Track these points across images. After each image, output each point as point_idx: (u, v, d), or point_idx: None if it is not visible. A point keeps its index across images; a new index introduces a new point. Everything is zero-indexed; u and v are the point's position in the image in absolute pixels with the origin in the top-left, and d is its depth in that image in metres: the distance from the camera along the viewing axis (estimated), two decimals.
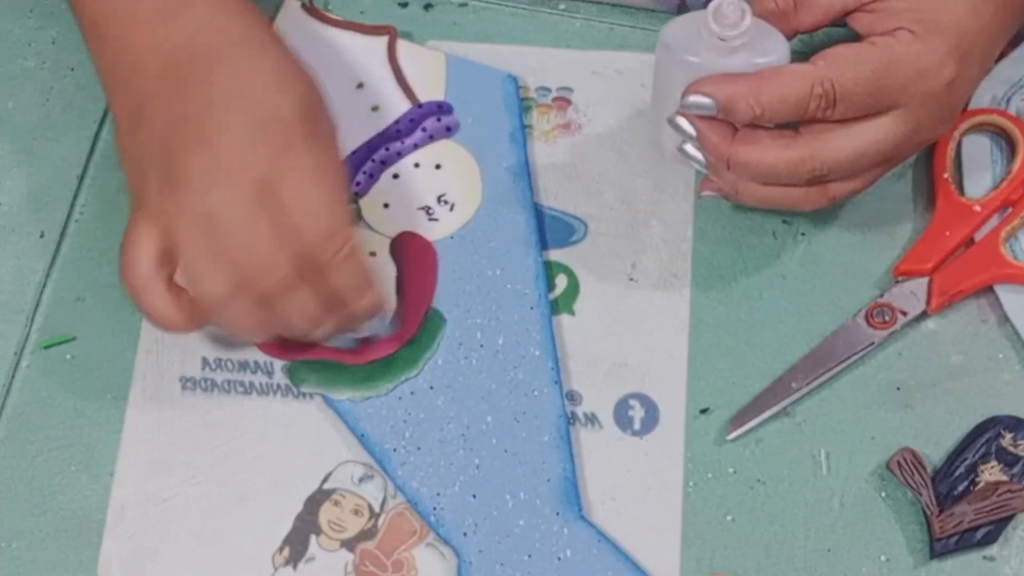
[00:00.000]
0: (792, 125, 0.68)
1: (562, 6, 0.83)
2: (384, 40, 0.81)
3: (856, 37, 0.69)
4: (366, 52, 0.80)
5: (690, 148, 0.71)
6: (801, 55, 0.71)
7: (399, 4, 0.84)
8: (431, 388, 0.73)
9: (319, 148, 0.68)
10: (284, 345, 0.74)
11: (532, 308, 0.75)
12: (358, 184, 0.78)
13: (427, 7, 0.84)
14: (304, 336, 0.71)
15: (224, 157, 0.66)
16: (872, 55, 0.67)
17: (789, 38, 0.69)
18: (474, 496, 0.71)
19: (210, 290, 0.67)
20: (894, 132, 0.68)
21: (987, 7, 0.68)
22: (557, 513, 0.71)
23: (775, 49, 0.68)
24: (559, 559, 0.70)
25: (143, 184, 0.69)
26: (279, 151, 0.66)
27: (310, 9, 0.82)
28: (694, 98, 0.67)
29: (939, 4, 0.67)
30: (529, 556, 0.70)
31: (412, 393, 0.73)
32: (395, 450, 0.72)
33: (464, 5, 0.84)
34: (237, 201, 0.66)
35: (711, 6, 0.67)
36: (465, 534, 0.70)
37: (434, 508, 0.71)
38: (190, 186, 0.66)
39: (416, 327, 0.74)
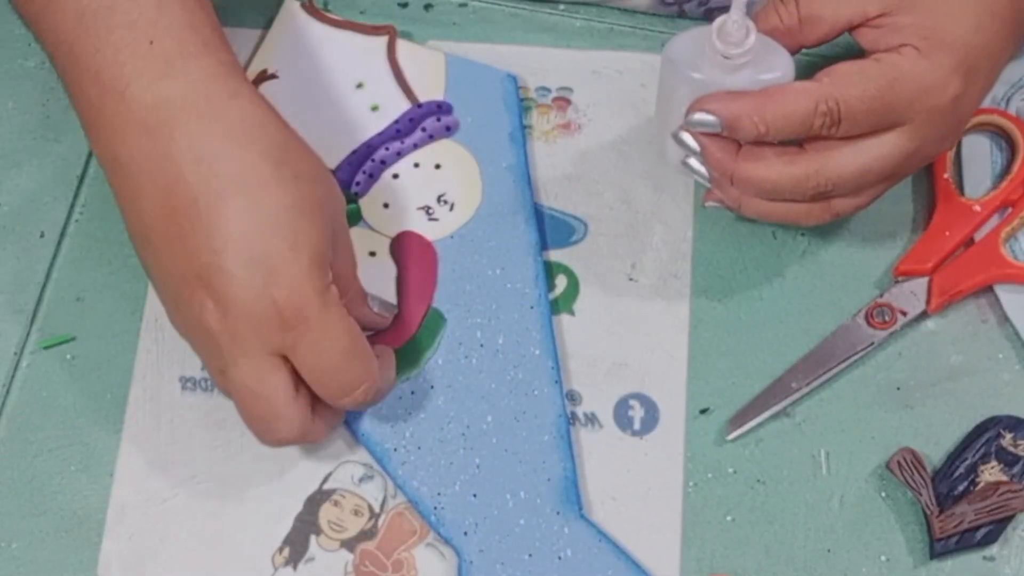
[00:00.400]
0: (797, 141, 0.68)
1: (562, 6, 0.83)
2: (383, 40, 0.81)
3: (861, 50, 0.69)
4: (365, 52, 0.81)
5: (694, 163, 0.71)
6: (807, 63, 0.71)
7: (399, 4, 0.84)
8: (431, 387, 0.73)
9: (329, 301, 0.65)
10: None
11: (532, 307, 0.75)
12: (358, 184, 0.78)
13: (427, 7, 0.84)
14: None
15: (234, 327, 0.65)
16: (877, 72, 0.66)
17: (793, 54, 0.69)
18: (474, 495, 0.71)
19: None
20: (899, 148, 0.67)
21: (991, 23, 0.68)
22: (557, 512, 0.71)
23: (779, 65, 0.68)
24: (559, 558, 0.70)
25: (165, 303, 0.69)
26: (289, 324, 0.64)
27: (310, 9, 0.82)
28: (699, 116, 0.67)
29: (944, 20, 0.67)
30: (530, 555, 0.70)
31: (412, 393, 0.73)
32: (395, 450, 0.72)
33: (464, 5, 0.84)
34: (250, 370, 0.65)
35: (716, 23, 0.67)
36: (466, 533, 0.70)
37: (434, 508, 0.71)
38: (204, 343, 0.66)
39: (416, 326, 0.74)
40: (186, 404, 0.74)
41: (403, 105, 0.80)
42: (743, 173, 0.68)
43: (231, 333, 0.65)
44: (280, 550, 0.71)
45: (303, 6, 0.82)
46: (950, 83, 0.67)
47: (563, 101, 0.81)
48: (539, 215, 0.77)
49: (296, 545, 0.71)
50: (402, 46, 0.81)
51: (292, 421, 0.66)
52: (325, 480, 0.72)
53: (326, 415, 0.69)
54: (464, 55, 0.81)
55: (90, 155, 0.80)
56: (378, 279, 0.75)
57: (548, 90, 0.81)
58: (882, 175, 0.69)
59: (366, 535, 0.71)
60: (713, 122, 0.67)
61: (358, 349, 0.67)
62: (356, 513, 0.72)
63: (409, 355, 0.74)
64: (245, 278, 0.64)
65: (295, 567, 0.71)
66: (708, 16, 0.82)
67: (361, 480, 0.72)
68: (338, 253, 0.68)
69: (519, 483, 0.71)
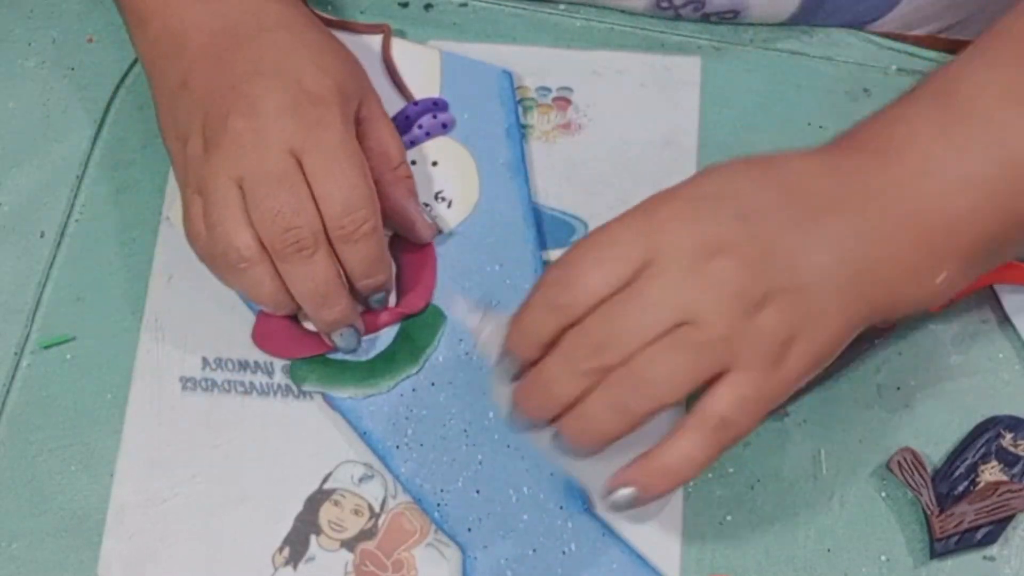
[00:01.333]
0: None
1: (562, 6, 0.83)
2: (378, 39, 0.81)
3: None
4: (361, 51, 0.80)
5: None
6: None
7: (399, 4, 0.84)
8: (432, 384, 0.73)
9: (349, 128, 0.71)
10: (282, 341, 0.74)
11: None
12: None
13: (427, 7, 0.84)
14: (314, 313, 0.71)
15: (260, 124, 0.69)
16: None
17: None
18: (478, 492, 0.71)
19: (226, 251, 0.69)
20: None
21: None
22: (561, 507, 0.71)
23: None
24: (564, 553, 0.70)
25: (183, 152, 0.71)
26: (312, 124, 0.69)
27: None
28: (619, 495, 0.65)
29: None
30: (534, 551, 0.70)
31: (414, 390, 0.73)
32: (398, 447, 0.72)
33: (464, 5, 0.84)
34: (267, 165, 0.68)
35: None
36: (469, 529, 0.70)
37: (438, 504, 0.71)
38: (224, 149, 0.69)
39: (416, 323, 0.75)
40: (186, 404, 0.74)
41: (399, 103, 0.80)
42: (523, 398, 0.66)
43: (257, 129, 0.69)
44: (280, 550, 0.71)
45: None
46: None
47: (563, 101, 0.81)
48: (538, 214, 0.77)
49: (296, 545, 0.71)
50: (397, 44, 0.81)
51: (313, 218, 0.68)
52: (325, 480, 0.72)
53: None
54: (464, 55, 0.81)
55: (90, 155, 0.80)
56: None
57: (548, 90, 0.81)
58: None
59: (366, 535, 0.71)
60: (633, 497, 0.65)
61: (365, 176, 0.70)
62: (356, 513, 0.72)
63: (409, 353, 0.74)
64: (276, 81, 0.70)
65: (295, 567, 0.71)
66: (704, 20, 0.82)
67: (361, 480, 0.72)
68: (371, 130, 0.74)
69: (522, 479, 0.71)
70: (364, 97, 0.75)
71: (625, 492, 0.64)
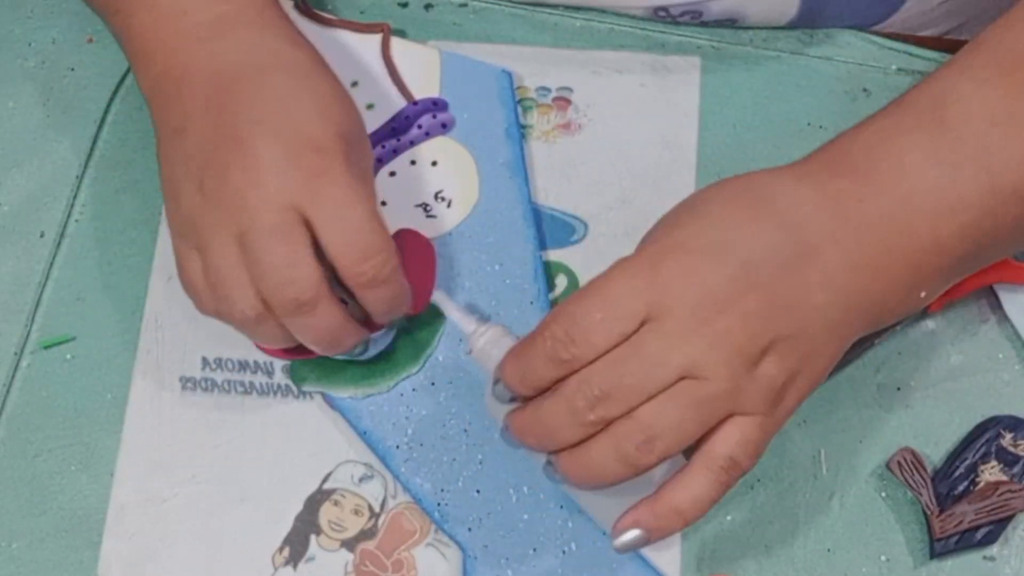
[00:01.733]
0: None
1: (562, 6, 0.83)
2: (378, 38, 0.81)
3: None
4: (360, 50, 0.80)
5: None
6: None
7: (399, 4, 0.84)
8: (432, 384, 0.73)
9: (354, 173, 0.68)
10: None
11: (532, 303, 0.75)
12: None
13: (427, 7, 0.84)
14: (324, 353, 0.71)
15: (260, 178, 0.66)
16: None
17: None
18: (478, 491, 0.71)
19: (236, 311, 0.68)
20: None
21: None
22: (561, 507, 0.71)
23: None
24: (564, 552, 0.70)
25: (178, 196, 0.69)
26: (316, 175, 0.67)
27: (303, 9, 0.82)
28: (629, 536, 0.65)
29: None
30: (534, 550, 0.70)
31: (413, 390, 0.73)
32: (398, 447, 0.72)
33: (464, 5, 0.84)
34: (265, 221, 0.66)
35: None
36: (470, 529, 0.70)
37: (438, 504, 0.71)
38: (223, 204, 0.67)
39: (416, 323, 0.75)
40: (186, 404, 0.74)
41: (398, 103, 0.80)
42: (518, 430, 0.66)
43: (257, 183, 0.66)
44: (280, 550, 0.71)
45: (296, 6, 0.82)
46: None
47: (563, 101, 0.81)
48: (538, 214, 0.77)
49: (296, 545, 0.71)
50: (396, 44, 0.81)
51: (312, 272, 0.66)
52: (325, 480, 0.72)
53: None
54: (464, 55, 0.81)
55: (90, 155, 0.80)
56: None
57: (548, 90, 0.81)
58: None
59: (366, 535, 0.71)
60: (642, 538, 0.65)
61: (377, 218, 0.68)
62: (356, 513, 0.72)
63: (409, 352, 0.74)
64: (275, 130, 0.67)
65: (295, 567, 0.71)
66: (702, 27, 0.82)
67: (361, 480, 0.72)
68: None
69: (522, 478, 0.71)
70: (358, 143, 0.72)
71: (634, 533, 0.65)
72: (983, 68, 0.66)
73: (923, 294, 0.66)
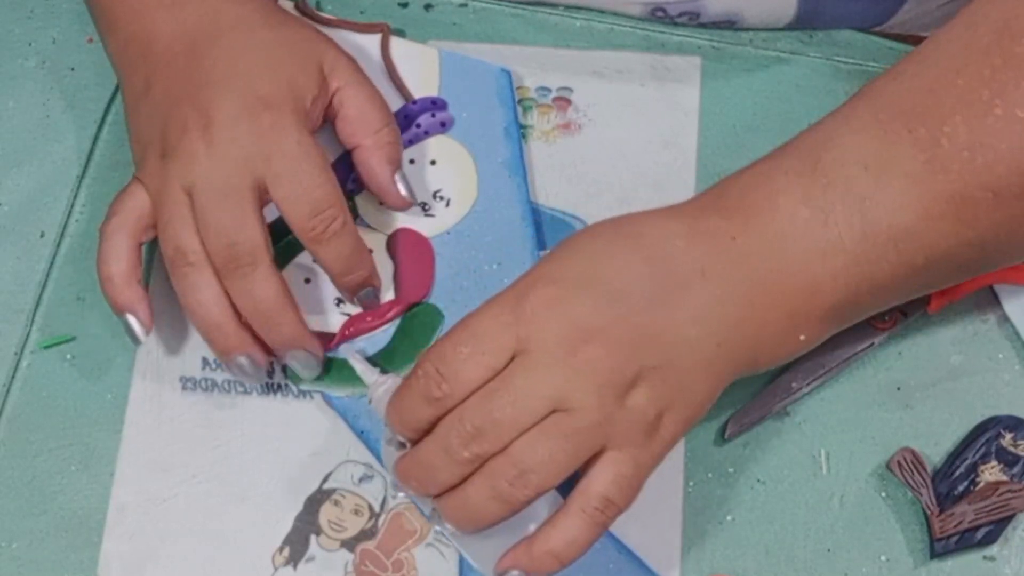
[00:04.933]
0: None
1: (562, 6, 0.83)
2: (377, 38, 0.81)
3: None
4: (359, 50, 0.80)
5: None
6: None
7: (399, 4, 0.84)
8: None
9: (304, 126, 0.71)
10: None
11: None
12: (354, 181, 0.78)
13: (427, 7, 0.84)
14: (263, 335, 0.71)
15: (213, 135, 0.69)
16: None
17: None
18: None
19: (178, 253, 0.69)
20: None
21: None
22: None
23: None
24: None
25: (144, 156, 0.72)
26: (266, 130, 0.70)
27: (302, 9, 0.82)
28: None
29: None
30: None
31: None
32: None
33: (464, 5, 0.84)
34: (218, 177, 0.69)
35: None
36: None
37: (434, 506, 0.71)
38: (179, 158, 0.69)
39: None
40: (186, 404, 0.74)
41: (397, 102, 0.80)
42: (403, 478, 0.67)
43: (210, 142, 0.69)
44: (280, 550, 0.71)
45: (296, 6, 0.82)
46: None
47: (563, 101, 0.81)
48: (538, 214, 0.77)
49: (296, 545, 0.71)
50: (396, 43, 0.81)
51: (255, 234, 0.69)
52: (325, 480, 0.72)
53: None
54: (463, 54, 0.81)
55: (90, 155, 0.80)
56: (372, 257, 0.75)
57: (548, 90, 0.81)
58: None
59: (366, 535, 0.71)
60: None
61: (328, 172, 0.71)
62: (356, 513, 0.72)
63: (407, 351, 0.74)
64: (228, 89, 0.70)
65: (295, 567, 0.71)
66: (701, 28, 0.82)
67: (361, 480, 0.72)
68: (348, 97, 0.74)
69: None
70: (333, 70, 0.75)
71: (514, 573, 0.65)
72: (862, 117, 0.66)
73: (802, 337, 0.66)
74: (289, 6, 0.82)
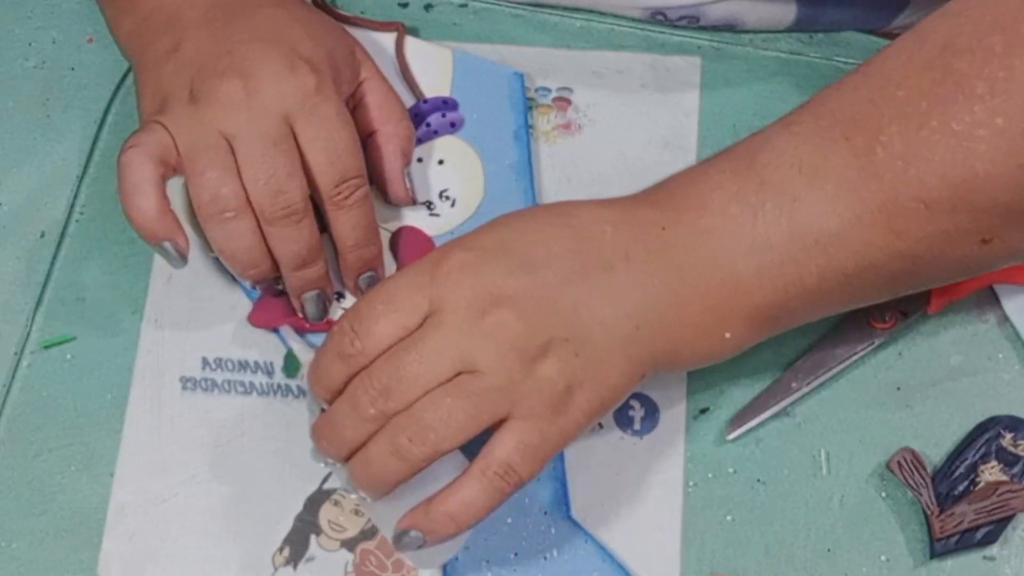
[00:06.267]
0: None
1: (562, 7, 0.83)
2: (392, 36, 0.81)
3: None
4: (374, 47, 0.80)
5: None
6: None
7: (399, 4, 0.84)
8: None
9: (341, 99, 0.72)
10: (276, 314, 0.75)
11: None
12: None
13: (427, 7, 0.84)
14: (292, 272, 0.72)
15: (257, 86, 0.70)
16: None
17: None
18: None
19: (214, 199, 0.70)
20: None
21: None
22: (545, 512, 0.71)
23: None
24: (545, 558, 0.70)
25: (166, 102, 0.71)
26: (310, 92, 0.70)
27: (319, 4, 0.82)
28: (408, 536, 0.65)
29: None
30: (515, 554, 0.70)
31: None
32: None
33: (464, 5, 0.84)
34: (262, 127, 0.69)
35: None
36: None
37: None
38: (218, 104, 0.70)
39: None
40: (186, 404, 0.74)
41: (409, 101, 0.80)
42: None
43: (255, 91, 0.70)
44: (280, 550, 0.71)
45: (314, 2, 0.82)
46: None
47: (563, 101, 0.81)
48: None
49: (296, 545, 0.71)
50: (410, 43, 0.81)
51: (303, 184, 0.70)
52: (325, 480, 0.72)
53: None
54: (476, 55, 0.81)
55: (90, 155, 0.80)
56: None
57: (548, 90, 0.81)
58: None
59: (366, 535, 0.71)
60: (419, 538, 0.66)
61: (358, 145, 0.72)
62: (356, 513, 0.72)
63: None
64: (273, 46, 0.71)
65: (295, 567, 0.71)
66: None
67: None
68: (371, 88, 0.76)
69: None
70: (362, 61, 0.77)
71: (411, 534, 0.65)
72: (803, 123, 0.66)
73: (727, 335, 0.66)
74: (307, 2, 0.82)
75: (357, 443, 0.65)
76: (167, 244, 0.70)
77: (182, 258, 0.71)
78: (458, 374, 0.63)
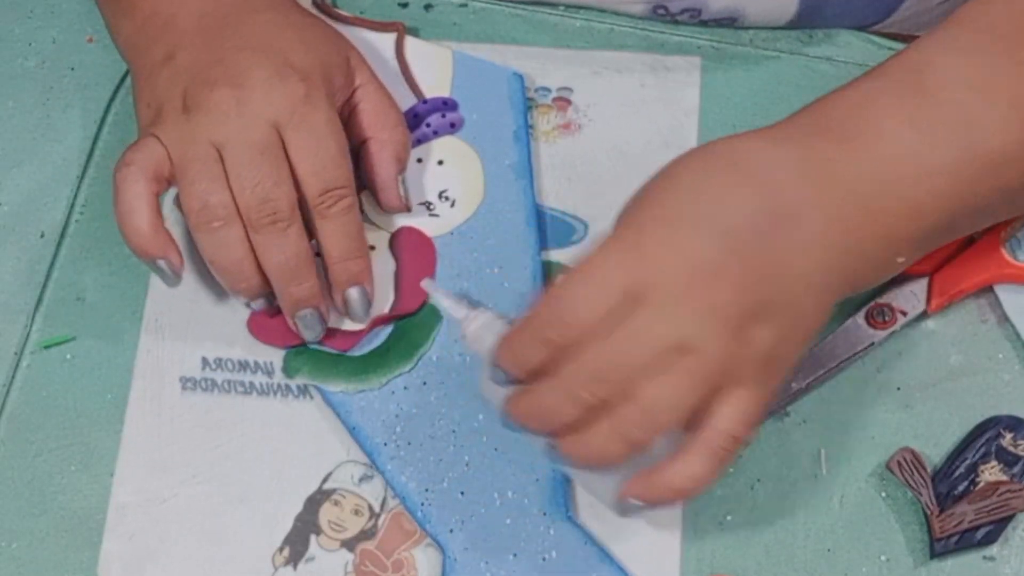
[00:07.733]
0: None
1: (562, 7, 0.83)
2: (392, 37, 0.81)
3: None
4: (374, 48, 0.81)
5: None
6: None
7: (399, 4, 0.84)
8: (424, 384, 0.73)
9: (332, 106, 0.72)
10: (276, 331, 0.74)
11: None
12: (359, 178, 0.77)
13: (427, 7, 0.84)
14: (282, 288, 0.71)
15: (246, 95, 0.70)
16: None
17: None
18: (462, 493, 0.71)
19: (203, 209, 0.70)
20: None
21: None
22: (544, 513, 0.70)
23: None
24: (544, 559, 0.70)
25: (160, 113, 0.72)
26: (299, 100, 0.71)
27: (320, 5, 0.82)
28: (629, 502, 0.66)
29: None
30: (514, 555, 0.70)
31: (405, 388, 0.73)
32: (386, 444, 0.72)
33: (464, 5, 0.84)
34: (251, 135, 0.70)
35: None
36: (451, 531, 0.70)
37: (422, 504, 0.71)
38: (208, 114, 0.70)
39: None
40: (186, 404, 0.74)
41: (409, 101, 0.80)
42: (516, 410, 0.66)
43: (245, 99, 0.70)
44: (280, 550, 0.71)
45: (314, 2, 0.82)
46: None
47: (563, 101, 0.81)
48: (539, 215, 0.77)
49: (296, 545, 0.71)
50: (410, 43, 0.81)
51: (292, 192, 0.70)
52: (325, 480, 0.72)
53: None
54: (476, 56, 0.81)
55: (90, 155, 0.80)
56: (376, 274, 0.75)
57: (548, 90, 0.81)
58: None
59: (366, 535, 0.71)
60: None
61: (346, 155, 0.72)
62: (356, 513, 0.72)
63: (403, 350, 0.74)
64: (263, 55, 0.72)
65: (295, 567, 0.71)
66: (701, 26, 0.82)
67: (361, 480, 0.72)
68: (367, 94, 0.76)
69: (507, 482, 0.71)
70: (357, 67, 0.76)
71: (634, 503, 0.65)
72: (961, 39, 0.66)
73: (900, 259, 0.67)
74: (307, 2, 0.82)
75: (569, 423, 0.64)
76: (161, 262, 0.71)
77: (176, 275, 0.72)
78: (672, 353, 0.62)
